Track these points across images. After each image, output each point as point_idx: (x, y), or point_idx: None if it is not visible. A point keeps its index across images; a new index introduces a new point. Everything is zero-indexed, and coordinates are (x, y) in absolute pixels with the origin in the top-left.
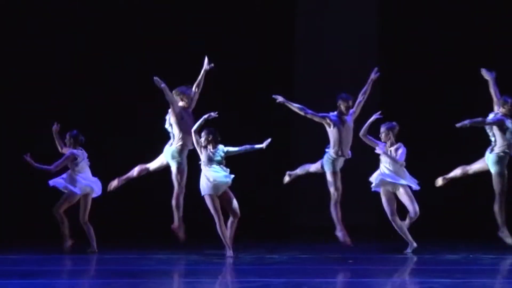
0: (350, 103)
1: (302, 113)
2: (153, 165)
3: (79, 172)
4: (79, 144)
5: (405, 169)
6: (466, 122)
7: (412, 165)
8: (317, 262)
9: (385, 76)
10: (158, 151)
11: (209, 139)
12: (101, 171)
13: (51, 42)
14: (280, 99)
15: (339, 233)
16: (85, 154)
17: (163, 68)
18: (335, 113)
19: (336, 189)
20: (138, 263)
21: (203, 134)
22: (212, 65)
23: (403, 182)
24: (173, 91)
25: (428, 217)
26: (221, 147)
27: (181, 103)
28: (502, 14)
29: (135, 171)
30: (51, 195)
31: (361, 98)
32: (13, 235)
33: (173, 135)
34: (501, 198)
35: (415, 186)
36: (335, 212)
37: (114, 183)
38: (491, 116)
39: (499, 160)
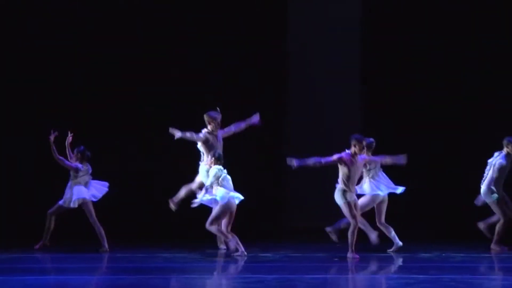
0: (364, 143)
1: (318, 165)
2: (194, 184)
3: (79, 183)
4: (86, 159)
5: (372, 180)
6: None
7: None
8: (307, 260)
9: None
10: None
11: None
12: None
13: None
14: (295, 163)
15: (350, 255)
16: (90, 170)
17: (156, 71)
18: (348, 152)
19: (353, 217)
20: (146, 261)
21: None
22: (259, 124)
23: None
24: (204, 115)
25: (405, 220)
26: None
27: (209, 127)
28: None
29: (182, 192)
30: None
31: (379, 159)
32: (31, 236)
33: (203, 154)
34: (505, 219)
35: (377, 192)
36: (351, 237)
37: (172, 206)
38: (496, 155)
39: (489, 191)
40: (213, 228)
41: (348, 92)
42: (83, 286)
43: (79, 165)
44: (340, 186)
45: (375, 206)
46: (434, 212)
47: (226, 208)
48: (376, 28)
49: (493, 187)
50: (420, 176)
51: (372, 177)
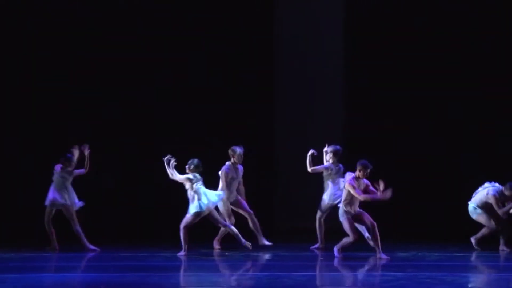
0: (368, 170)
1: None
2: (228, 217)
3: (56, 186)
4: (69, 164)
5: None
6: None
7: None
8: (295, 259)
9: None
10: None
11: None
12: None
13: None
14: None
15: (336, 252)
16: (70, 175)
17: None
18: (352, 175)
19: (353, 233)
20: (147, 259)
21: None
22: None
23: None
24: (229, 150)
25: (384, 221)
26: None
27: (232, 159)
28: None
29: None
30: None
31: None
32: (40, 236)
33: (222, 184)
34: (492, 229)
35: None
36: (345, 243)
37: (217, 246)
38: (493, 185)
39: (473, 211)
40: (182, 232)
41: (332, 94)
42: (88, 283)
43: (57, 169)
44: (343, 207)
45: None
46: (412, 213)
47: (196, 216)
48: (359, 29)
49: (476, 207)
50: (400, 178)
51: (333, 181)
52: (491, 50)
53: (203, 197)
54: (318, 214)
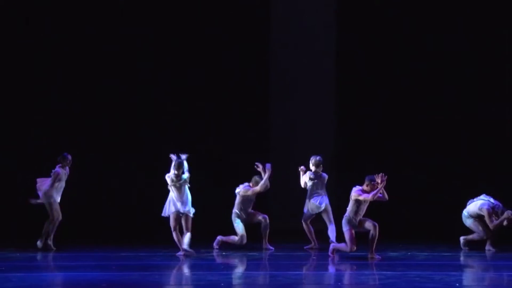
0: (376, 186)
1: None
2: (241, 231)
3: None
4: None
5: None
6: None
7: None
8: (289, 258)
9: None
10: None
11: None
12: None
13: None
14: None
15: (331, 249)
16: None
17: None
18: (360, 188)
19: (351, 243)
20: (147, 259)
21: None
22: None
23: None
24: (254, 178)
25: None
26: None
27: (252, 186)
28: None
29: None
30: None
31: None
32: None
33: (237, 204)
34: (481, 237)
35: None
36: (340, 248)
37: (216, 246)
38: (488, 199)
39: (466, 219)
40: (174, 235)
41: (323, 99)
42: (91, 282)
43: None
44: (348, 216)
45: (321, 214)
46: (398, 215)
47: (176, 216)
48: (350, 35)
49: (469, 216)
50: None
51: (315, 190)
52: (492, 50)
53: (170, 202)
54: (303, 219)
